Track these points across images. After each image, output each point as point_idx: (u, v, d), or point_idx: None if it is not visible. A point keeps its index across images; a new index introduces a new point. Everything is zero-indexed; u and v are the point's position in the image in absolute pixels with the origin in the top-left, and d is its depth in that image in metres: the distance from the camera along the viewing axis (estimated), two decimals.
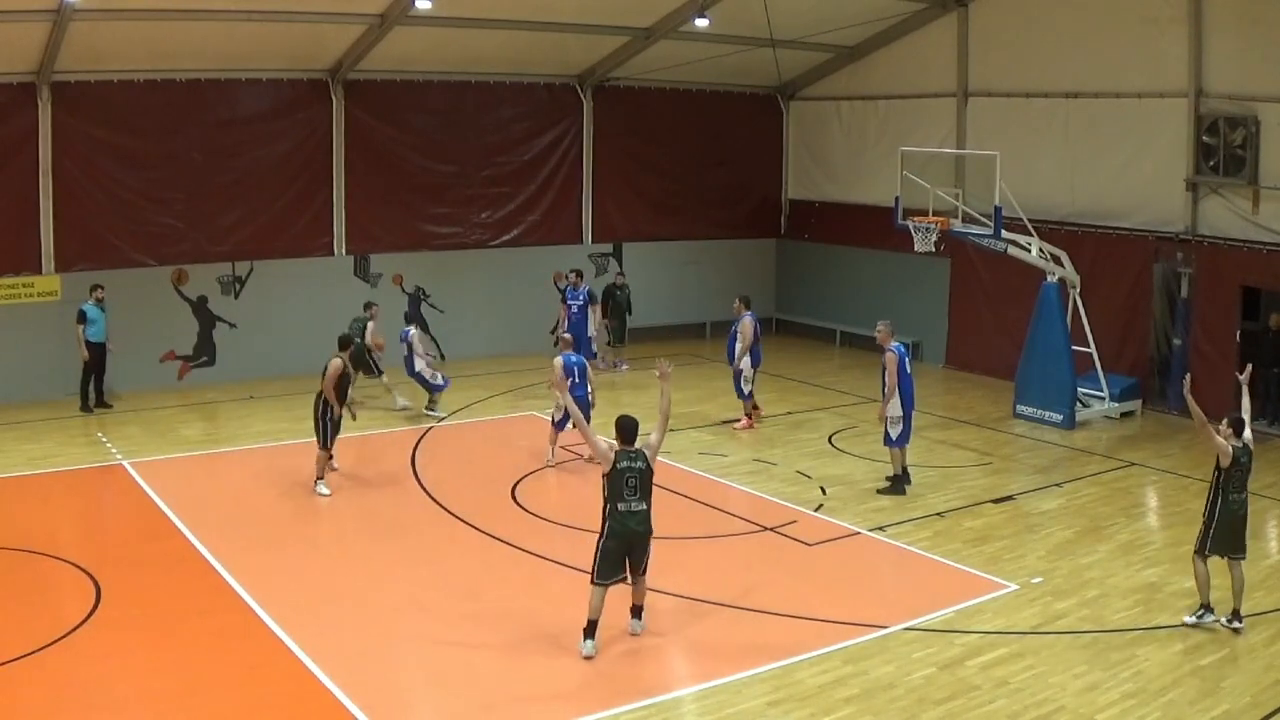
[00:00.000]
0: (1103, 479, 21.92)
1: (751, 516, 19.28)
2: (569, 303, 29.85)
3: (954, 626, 15.11)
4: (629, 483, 14.19)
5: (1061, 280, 25.86)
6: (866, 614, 15.43)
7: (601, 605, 14.15)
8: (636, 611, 14.80)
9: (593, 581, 14.21)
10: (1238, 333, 25.41)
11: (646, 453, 14.47)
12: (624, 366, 30.90)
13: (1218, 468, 15.12)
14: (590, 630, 14.14)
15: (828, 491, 20.59)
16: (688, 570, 17.04)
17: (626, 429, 14.59)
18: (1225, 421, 15.14)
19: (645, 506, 14.33)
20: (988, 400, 27.50)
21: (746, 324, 25.12)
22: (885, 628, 15.03)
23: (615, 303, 31.67)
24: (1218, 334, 25.74)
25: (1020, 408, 26.03)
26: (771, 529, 18.80)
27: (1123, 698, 13.25)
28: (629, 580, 14.50)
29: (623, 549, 14.24)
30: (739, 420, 25.16)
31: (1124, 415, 26.43)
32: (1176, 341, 26.59)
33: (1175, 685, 13.56)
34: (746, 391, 25.16)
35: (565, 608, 15.59)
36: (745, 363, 24.94)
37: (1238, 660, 14.27)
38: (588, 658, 13.98)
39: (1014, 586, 16.48)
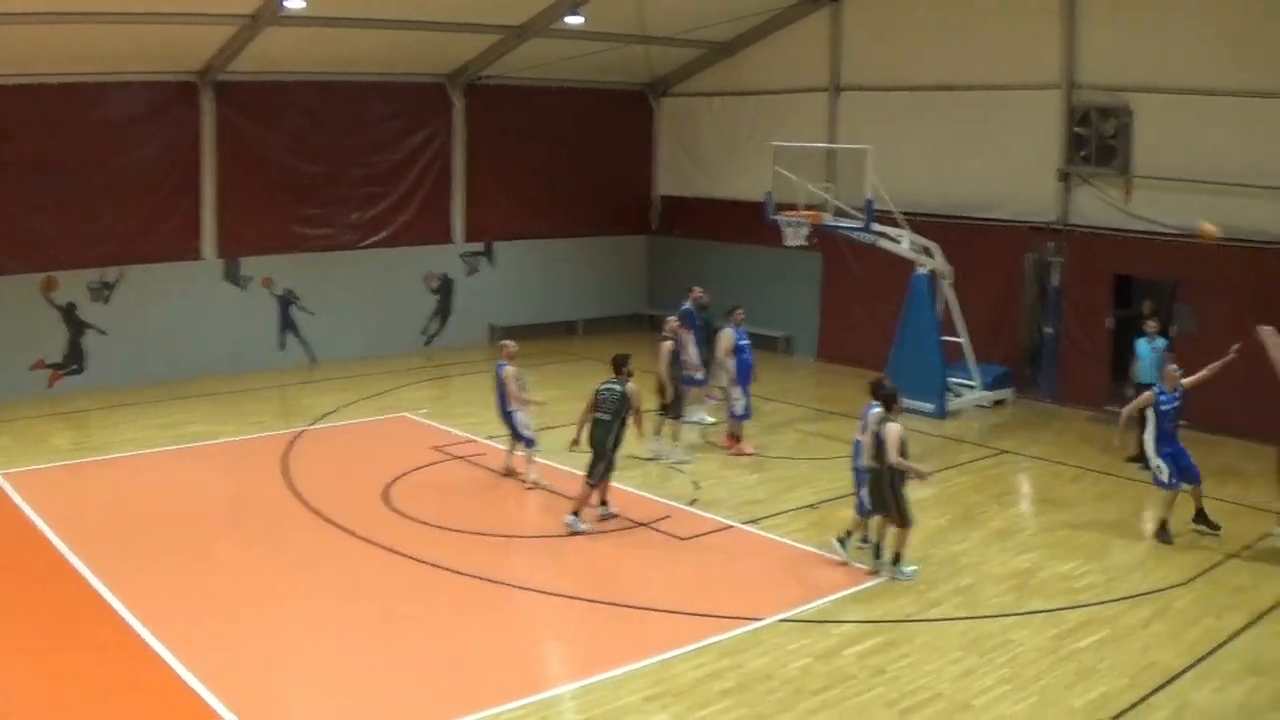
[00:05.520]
0: (974, 467, 21.94)
1: (625, 513, 18.98)
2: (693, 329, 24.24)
3: (829, 617, 14.98)
4: None
5: (932, 272, 25.87)
6: (742, 606, 15.29)
7: None
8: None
9: None
10: (1111, 320, 25.71)
11: None
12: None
13: None
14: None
15: (701, 486, 20.38)
16: (562, 568, 16.97)
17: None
18: None
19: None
20: (860, 391, 27.15)
21: (725, 334, 23.01)
22: (760, 620, 14.89)
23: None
24: (1090, 322, 26.08)
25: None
26: (645, 525, 18.59)
27: (999, 683, 13.22)
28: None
29: None
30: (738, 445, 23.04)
31: (996, 404, 26.60)
32: (1048, 330, 26.77)
33: (1051, 669, 13.55)
34: (742, 410, 22.92)
35: (440, 609, 15.38)
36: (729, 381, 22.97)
37: (1114, 643, 14.27)
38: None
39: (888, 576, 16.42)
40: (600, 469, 18.44)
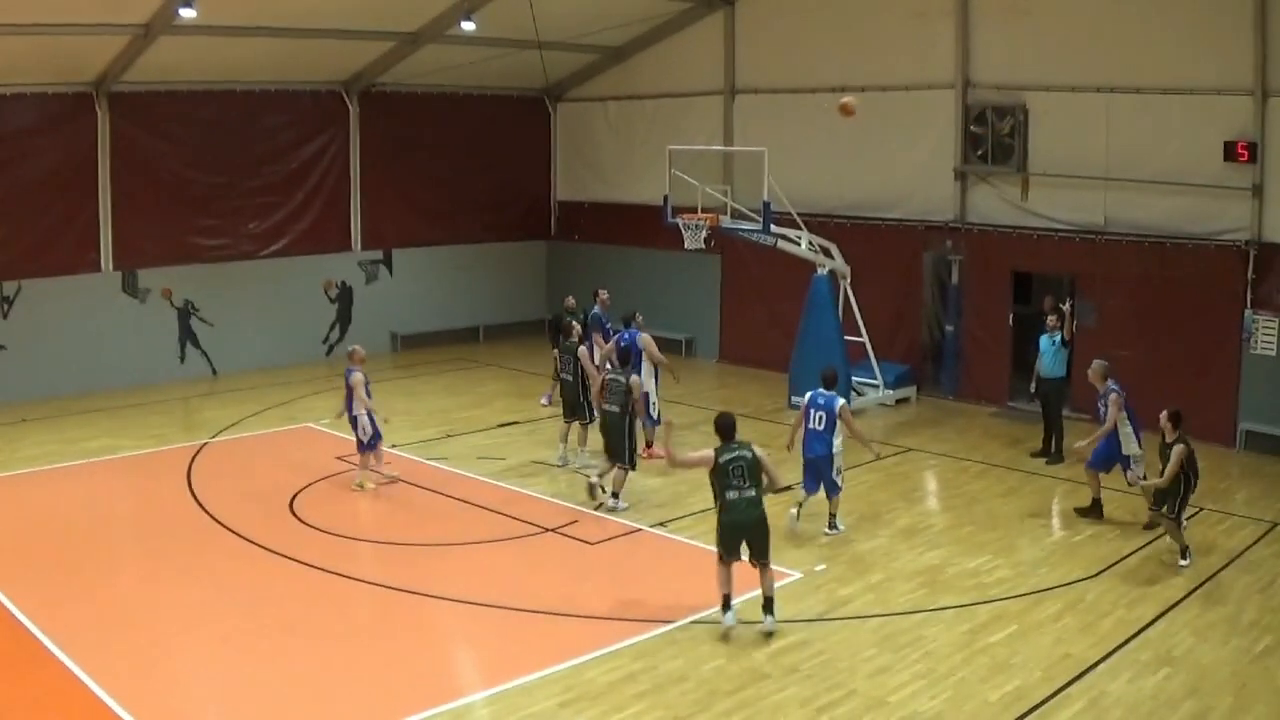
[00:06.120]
0: (880, 465, 21.86)
1: (532, 519, 18.82)
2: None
3: (740, 617, 14.80)
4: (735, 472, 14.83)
5: (832, 272, 25.90)
6: (653, 609, 15.20)
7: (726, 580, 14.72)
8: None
9: None
10: (1010, 317, 25.93)
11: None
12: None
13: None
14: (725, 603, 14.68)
15: (607, 490, 20.23)
16: (472, 575, 16.70)
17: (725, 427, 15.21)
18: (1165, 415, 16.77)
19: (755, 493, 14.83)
20: (762, 393, 27.45)
21: (648, 338, 22.67)
22: (672, 622, 14.79)
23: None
24: (990, 319, 26.26)
25: (795, 399, 25.91)
26: (553, 530, 18.43)
27: (914, 679, 13.21)
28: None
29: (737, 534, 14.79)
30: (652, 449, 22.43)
31: (899, 402, 26.71)
32: (948, 328, 26.94)
33: (966, 664, 13.55)
34: (656, 416, 22.71)
35: (350, 619, 15.20)
36: (651, 384, 22.73)
37: (1026, 636, 14.30)
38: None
39: (798, 574, 16.39)
40: (626, 454, 19.61)
